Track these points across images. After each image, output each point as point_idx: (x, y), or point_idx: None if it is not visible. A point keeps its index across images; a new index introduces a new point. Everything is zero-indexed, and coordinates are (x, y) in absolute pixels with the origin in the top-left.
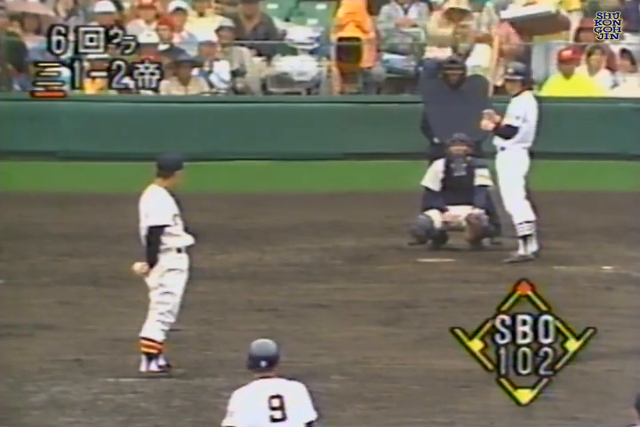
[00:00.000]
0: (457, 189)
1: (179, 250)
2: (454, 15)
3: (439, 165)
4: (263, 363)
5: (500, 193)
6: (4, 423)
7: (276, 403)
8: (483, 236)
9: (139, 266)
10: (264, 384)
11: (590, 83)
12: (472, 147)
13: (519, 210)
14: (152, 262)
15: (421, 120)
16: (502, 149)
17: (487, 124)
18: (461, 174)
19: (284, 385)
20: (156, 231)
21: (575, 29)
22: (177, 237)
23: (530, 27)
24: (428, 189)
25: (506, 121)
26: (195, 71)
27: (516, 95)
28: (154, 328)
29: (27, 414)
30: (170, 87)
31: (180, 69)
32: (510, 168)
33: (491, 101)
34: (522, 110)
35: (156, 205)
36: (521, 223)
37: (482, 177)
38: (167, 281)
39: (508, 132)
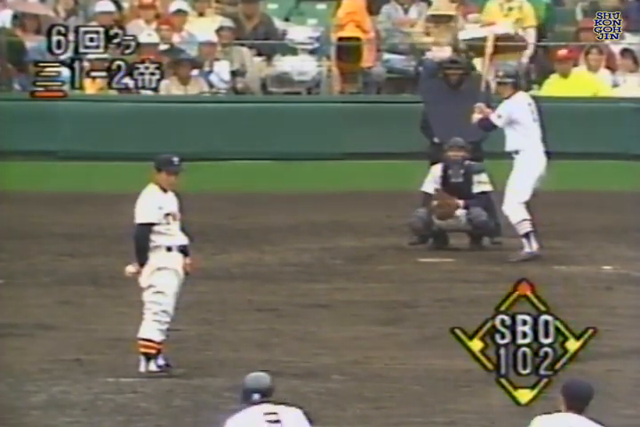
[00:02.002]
0: (455, 194)
1: (169, 249)
2: (441, 19)
3: (437, 169)
4: (256, 396)
5: (505, 193)
6: (3, 423)
7: (272, 417)
8: (483, 232)
9: (130, 268)
10: (258, 407)
11: (589, 79)
12: (470, 152)
13: (514, 210)
14: (141, 262)
15: (421, 120)
16: (517, 152)
17: (476, 117)
18: (459, 181)
19: (280, 407)
20: (141, 229)
21: (576, 29)
22: (167, 236)
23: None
24: (426, 193)
25: (491, 116)
26: (195, 71)
27: (507, 98)
28: (150, 329)
29: (27, 413)
30: (169, 87)
31: (179, 69)
32: (523, 171)
33: (490, 100)
34: (506, 111)
35: (143, 204)
36: (519, 222)
37: (480, 183)
38: (157, 281)
39: (486, 125)
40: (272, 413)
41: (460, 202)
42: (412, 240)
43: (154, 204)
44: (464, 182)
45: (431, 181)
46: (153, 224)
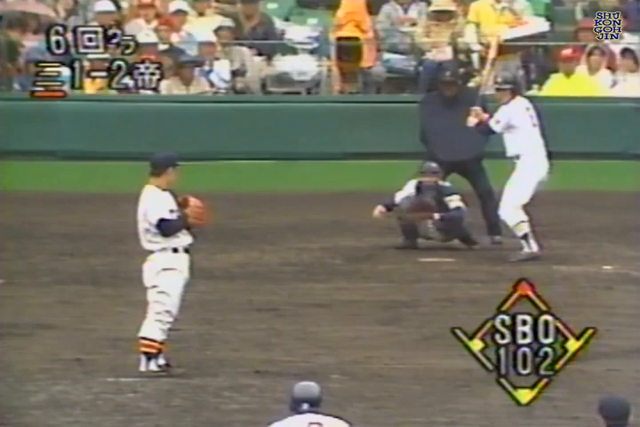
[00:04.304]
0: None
1: (175, 250)
2: (442, 16)
3: (411, 187)
4: (305, 406)
5: (502, 195)
6: (4, 423)
7: None
8: (458, 232)
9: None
10: (304, 416)
11: (591, 81)
12: (441, 177)
13: (510, 214)
14: (185, 222)
15: (420, 131)
16: (517, 157)
17: (471, 121)
18: (431, 205)
19: (326, 418)
20: (165, 223)
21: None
22: (173, 237)
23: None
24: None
25: (489, 122)
26: (195, 71)
27: (505, 103)
28: (152, 328)
29: (27, 413)
30: (172, 87)
31: (182, 70)
32: (523, 175)
33: (487, 107)
34: (505, 116)
35: (153, 203)
36: (516, 224)
37: (454, 201)
38: (161, 281)
39: (484, 130)
40: (317, 423)
41: (436, 215)
42: (402, 241)
43: (163, 201)
44: (436, 205)
45: (403, 196)
46: (166, 219)
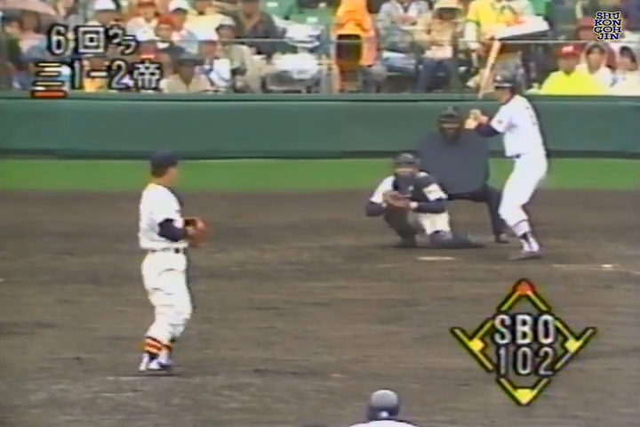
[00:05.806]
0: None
1: (177, 250)
2: (445, 15)
3: (387, 184)
4: (384, 414)
5: (503, 195)
6: (3, 422)
7: None
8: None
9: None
10: (384, 422)
11: (590, 80)
12: (418, 168)
13: (511, 213)
14: (185, 234)
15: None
16: (517, 156)
17: (471, 123)
18: (408, 196)
19: (407, 426)
20: (167, 224)
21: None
22: None
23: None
24: (374, 203)
25: (492, 122)
26: (195, 69)
27: (505, 103)
28: (161, 330)
29: (26, 412)
30: (173, 86)
31: (182, 68)
32: (523, 174)
33: (488, 153)
34: (506, 116)
35: (161, 202)
36: (517, 223)
37: (433, 192)
38: (164, 283)
39: (486, 131)
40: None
41: (413, 203)
42: (402, 242)
43: (170, 202)
44: (414, 197)
45: (380, 193)
46: (172, 220)
